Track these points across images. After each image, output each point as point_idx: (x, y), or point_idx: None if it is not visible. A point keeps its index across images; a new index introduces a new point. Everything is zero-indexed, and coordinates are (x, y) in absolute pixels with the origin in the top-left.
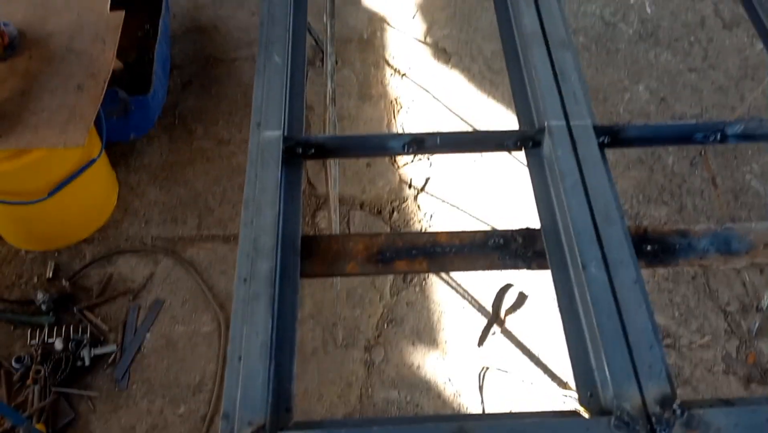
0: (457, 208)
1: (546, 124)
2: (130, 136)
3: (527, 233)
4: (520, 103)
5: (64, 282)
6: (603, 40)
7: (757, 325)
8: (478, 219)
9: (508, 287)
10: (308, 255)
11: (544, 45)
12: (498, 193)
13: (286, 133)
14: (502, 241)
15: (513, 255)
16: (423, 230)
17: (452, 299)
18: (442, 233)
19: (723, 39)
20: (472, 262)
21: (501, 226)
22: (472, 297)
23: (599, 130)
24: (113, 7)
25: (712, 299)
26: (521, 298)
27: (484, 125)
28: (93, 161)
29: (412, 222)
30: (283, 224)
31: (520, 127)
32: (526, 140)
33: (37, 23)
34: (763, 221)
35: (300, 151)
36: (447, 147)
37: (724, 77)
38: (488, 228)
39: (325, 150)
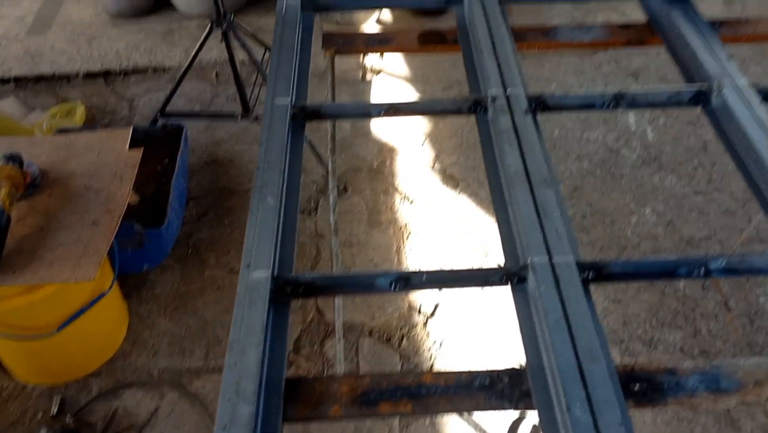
0: (467, 334)
1: (530, 260)
2: (144, 267)
3: (513, 372)
4: (505, 240)
5: (68, 418)
6: (607, 165)
7: None
8: (488, 346)
9: (521, 419)
10: (292, 398)
11: (527, 183)
12: (508, 318)
13: (275, 273)
14: (488, 381)
15: (499, 396)
16: (432, 358)
17: (464, 432)
18: (427, 373)
19: (726, 162)
20: (458, 403)
21: (511, 353)
22: (485, 431)
23: (582, 266)
24: (133, 144)
25: (735, 429)
26: (534, 431)
27: (492, 249)
28: (104, 294)
29: (421, 350)
30: (267, 365)
31: (505, 263)
32: (511, 276)
33: (59, 163)
34: (751, 358)
35: (289, 291)
36: (433, 284)
37: (730, 200)
38: (497, 356)
39: (314, 289)
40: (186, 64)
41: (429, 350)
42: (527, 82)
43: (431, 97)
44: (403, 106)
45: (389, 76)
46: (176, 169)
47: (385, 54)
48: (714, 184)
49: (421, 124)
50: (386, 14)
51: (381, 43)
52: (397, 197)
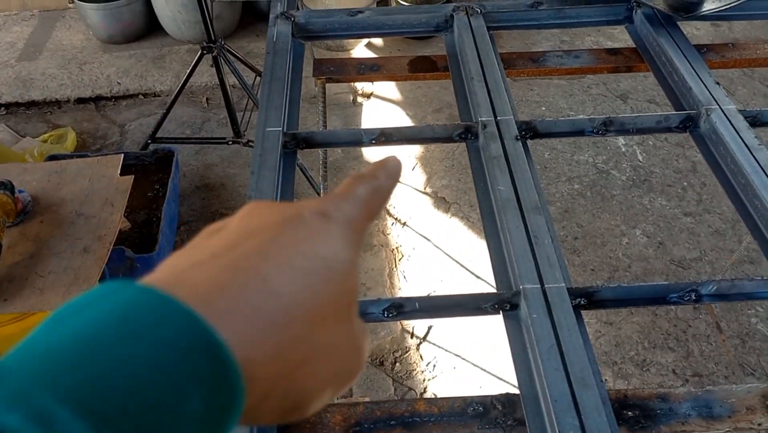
0: (460, 357)
1: (521, 287)
2: None
3: (507, 398)
4: (497, 266)
5: None
6: (597, 186)
7: None
8: (481, 369)
9: None
10: (285, 428)
11: (518, 210)
12: (500, 339)
13: None
14: (481, 409)
15: (493, 424)
16: (425, 381)
17: None
18: (420, 400)
19: (715, 184)
20: (451, 432)
21: (505, 375)
22: None
23: (574, 293)
24: (125, 170)
25: None
26: None
27: (483, 271)
28: None
29: (414, 373)
30: None
31: (497, 290)
32: (503, 303)
33: (50, 190)
34: (742, 384)
35: None
36: (425, 312)
37: (720, 220)
38: (491, 378)
39: None
40: (177, 89)
41: (422, 373)
42: (517, 109)
43: (422, 119)
44: (394, 133)
45: (380, 99)
46: (167, 194)
47: None
48: (703, 205)
49: (413, 146)
50: (377, 38)
51: (371, 70)
52: (389, 220)
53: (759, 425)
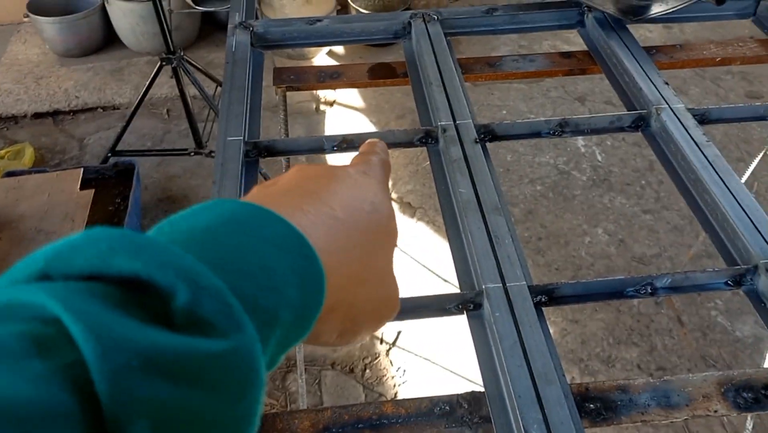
0: (430, 361)
1: (484, 286)
2: None
3: (472, 397)
4: (460, 267)
5: None
6: (559, 187)
7: None
8: (450, 371)
9: None
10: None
11: (479, 211)
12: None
13: None
14: (448, 408)
15: (459, 422)
16: (396, 386)
17: None
18: (388, 402)
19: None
20: (419, 432)
21: (473, 376)
22: None
23: (535, 290)
24: (84, 184)
25: None
26: None
27: (450, 275)
28: None
29: (384, 379)
30: None
31: (461, 290)
32: (466, 303)
33: (9, 206)
34: (699, 373)
35: None
36: None
37: (678, 217)
38: (462, 379)
39: None
40: (136, 102)
41: (392, 378)
42: (477, 113)
43: (385, 125)
44: (356, 139)
45: (343, 107)
46: (129, 208)
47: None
48: (662, 202)
49: None
50: (338, 47)
51: (332, 77)
52: None
53: (715, 411)
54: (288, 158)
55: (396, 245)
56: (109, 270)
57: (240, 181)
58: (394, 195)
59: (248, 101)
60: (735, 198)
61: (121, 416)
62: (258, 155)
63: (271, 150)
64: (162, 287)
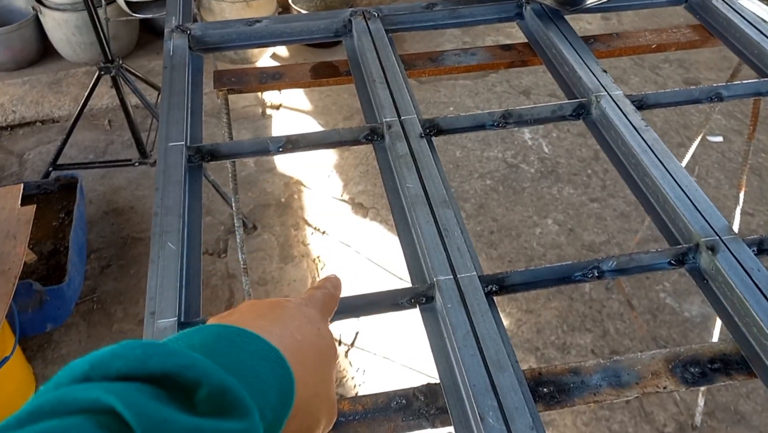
0: (389, 359)
1: (435, 279)
2: (47, 328)
3: (428, 389)
4: (411, 262)
5: None
6: (509, 180)
7: None
8: (409, 367)
9: None
10: None
11: (427, 205)
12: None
13: (182, 319)
14: (404, 401)
15: (416, 415)
16: (357, 386)
17: None
18: (344, 400)
19: None
20: (376, 427)
21: (434, 371)
22: None
23: (485, 280)
24: (26, 200)
25: (649, 422)
26: None
27: (404, 272)
28: (6, 359)
29: (344, 380)
30: None
31: (413, 284)
32: (419, 297)
33: None
34: (648, 351)
35: None
36: (343, 313)
37: (624, 203)
38: (421, 375)
39: None
40: (76, 114)
41: (352, 379)
42: (420, 108)
43: (333, 127)
44: (301, 139)
45: (289, 110)
46: (73, 222)
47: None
48: (608, 190)
49: (326, 154)
50: (282, 49)
51: (274, 78)
52: (308, 230)
53: (664, 388)
54: (234, 162)
55: (336, 366)
56: (143, 370)
57: (183, 188)
58: (345, 196)
59: (189, 105)
60: (674, 180)
61: None
62: (201, 160)
63: (214, 154)
64: (190, 381)
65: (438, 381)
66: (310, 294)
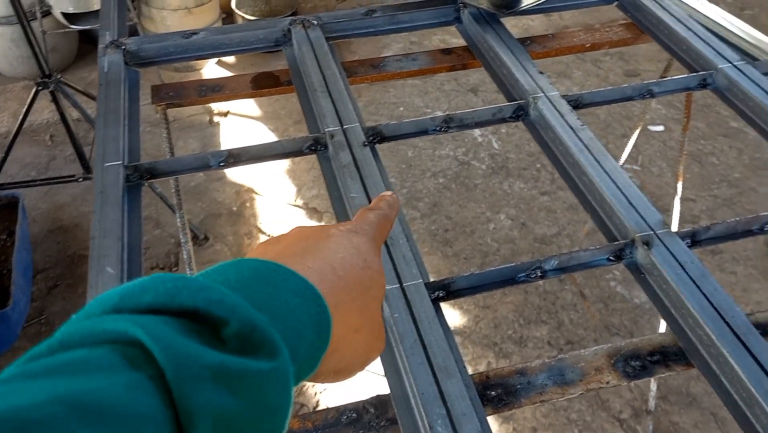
0: None
1: None
2: None
3: (378, 400)
4: None
5: None
6: (461, 178)
7: (651, 428)
8: (372, 372)
9: None
10: None
11: None
12: None
13: None
14: (355, 415)
15: (367, 427)
16: (316, 394)
17: None
18: (293, 419)
19: None
20: None
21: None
22: None
23: (431, 287)
24: None
25: (606, 409)
26: None
27: None
28: None
29: (305, 387)
30: None
31: None
32: None
33: None
34: (590, 348)
35: None
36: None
37: (572, 196)
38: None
39: None
40: (15, 130)
41: (313, 386)
42: (366, 112)
43: (283, 132)
44: (243, 153)
45: (238, 116)
46: (16, 243)
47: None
48: (557, 183)
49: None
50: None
51: (213, 91)
52: (262, 238)
53: (607, 382)
54: (176, 177)
55: (383, 297)
56: (173, 304)
57: (123, 208)
58: (299, 201)
59: (126, 123)
60: (610, 177)
61: (192, 419)
62: (140, 178)
63: (153, 172)
64: (218, 317)
65: (388, 392)
66: (362, 216)
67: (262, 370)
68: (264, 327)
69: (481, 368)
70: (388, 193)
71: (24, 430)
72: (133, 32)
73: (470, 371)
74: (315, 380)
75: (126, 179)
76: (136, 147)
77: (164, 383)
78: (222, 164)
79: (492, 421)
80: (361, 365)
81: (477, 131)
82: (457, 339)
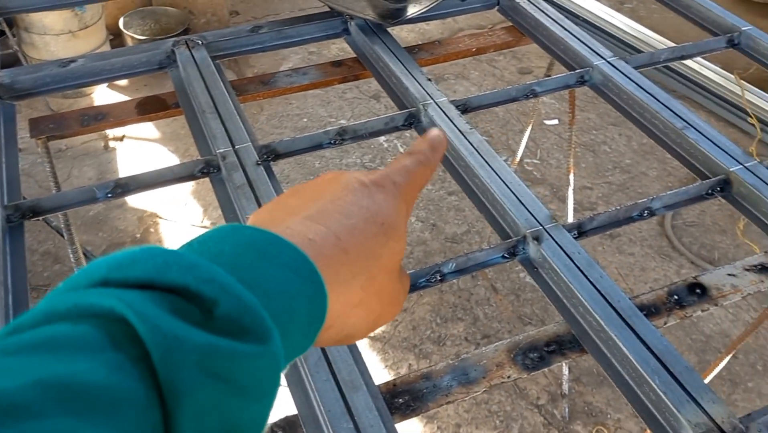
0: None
1: None
2: None
3: (286, 422)
4: None
5: None
6: None
7: (567, 410)
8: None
9: None
10: None
11: None
12: None
13: None
14: None
15: None
16: None
17: None
18: None
19: None
20: None
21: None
22: None
23: None
24: None
25: (524, 397)
26: None
27: None
28: None
29: None
30: None
31: None
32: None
33: None
34: (490, 345)
35: None
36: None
37: None
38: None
39: None
40: None
41: None
42: (255, 135)
43: (184, 152)
44: (131, 182)
45: (135, 140)
46: None
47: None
48: None
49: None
50: None
51: (96, 120)
52: None
53: (509, 377)
54: (65, 212)
55: (400, 261)
56: (162, 280)
57: (4, 250)
58: (206, 222)
59: (3, 161)
60: (500, 177)
61: (178, 401)
62: (22, 218)
63: (36, 210)
64: (208, 298)
65: (296, 412)
66: (397, 164)
67: (251, 353)
68: (255, 309)
69: (403, 371)
70: (436, 131)
71: (6, 414)
72: (15, 61)
73: (392, 376)
74: (314, 346)
75: (6, 219)
76: (15, 185)
77: (149, 364)
78: (110, 196)
79: (416, 422)
80: (365, 333)
81: (382, 137)
82: (378, 345)
